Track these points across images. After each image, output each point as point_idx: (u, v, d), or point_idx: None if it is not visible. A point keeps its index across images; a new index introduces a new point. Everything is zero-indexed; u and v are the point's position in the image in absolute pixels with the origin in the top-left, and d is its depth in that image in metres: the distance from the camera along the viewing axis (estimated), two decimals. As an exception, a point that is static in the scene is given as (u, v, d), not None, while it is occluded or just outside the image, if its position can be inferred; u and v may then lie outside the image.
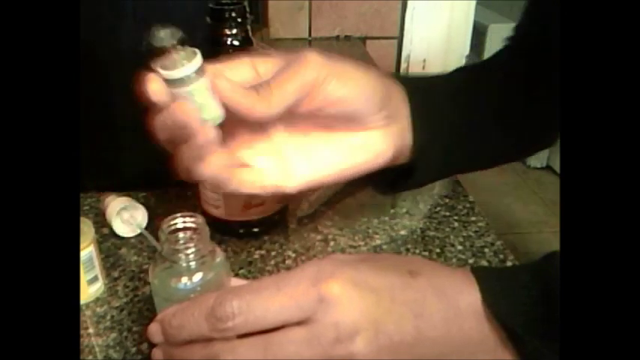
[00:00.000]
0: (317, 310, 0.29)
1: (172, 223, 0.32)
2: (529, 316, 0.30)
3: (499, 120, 0.47)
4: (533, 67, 0.50)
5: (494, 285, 0.31)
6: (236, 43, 0.45)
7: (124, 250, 0.49)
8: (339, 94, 0.34)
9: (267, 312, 0.29)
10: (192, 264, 0.32)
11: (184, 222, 0.33)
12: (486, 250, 0.49)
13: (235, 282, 0.35)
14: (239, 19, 0.44)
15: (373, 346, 0.29)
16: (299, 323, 0.29)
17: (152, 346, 0.39)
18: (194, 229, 0.32)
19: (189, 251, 0.31)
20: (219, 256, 0.33)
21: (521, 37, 0.54)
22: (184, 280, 0.32)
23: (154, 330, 0.31)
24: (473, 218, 0.54)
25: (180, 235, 0.32)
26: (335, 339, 0.28)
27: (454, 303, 0.31)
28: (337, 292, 0.29)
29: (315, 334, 0.28)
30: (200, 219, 0.33)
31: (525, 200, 2.08)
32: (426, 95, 0.42)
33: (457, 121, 0.44)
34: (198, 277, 0.32)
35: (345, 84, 0.35)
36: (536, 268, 0.32)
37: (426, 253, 0.48)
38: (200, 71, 0.31)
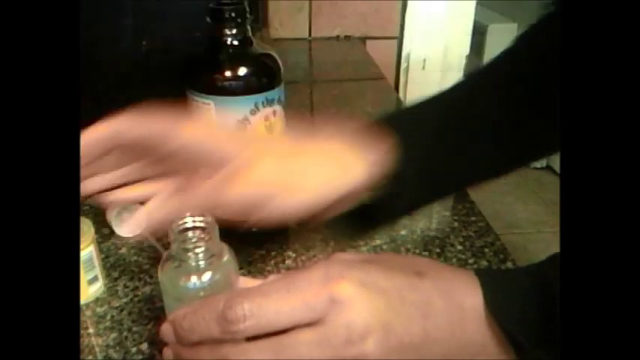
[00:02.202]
0: (328, 312, 0.29)
1: (182, 222, 0.33)
2: (531, 323, 0.30)
3: (497, 136, 0.45)
4: (536, 71, 0.46)
5: (496, 290, 0.31)
6: (236, 43, 0.45)
7: (124, 250, 0.49)
8: (285, 210, 0.35)
9: (278, 314, 0.29)
10: (202, 263, 0.32)
11: (194, 221, 0.33)
12: (486, 250, 0.49)
13: (243, 281, 0.35)
14: (239, 19, 0.44)
15: (384, 348, 0.29)
16: (309, 325, 0.29)
17: (152, 346, 0.39)
18: (203, 229, 0.33)
19: (198, 250, 0.32)
20: (227, 255, 0.33)
21: (525, 39, 0.51)
22: (194, 279, 0.32)
23: (167, 330, 0.31)
24: (473, 218, 0.54)
25: (190, 234, 0.33)
26: (346, 340, 0.28)
27: (459, 305, 0.31)
28: (349, 293, 0.29)
29: (326, 335, 0.28)
30: (209, 218, 0.33)
31: (525, 200, 2.08)
32: (413, 133, 0.41)
33: (443, 147, 0.43)
34: (207, 276, 0.32)
35: (292, 199, 0.35)
36: (538, 273, 0.32)
37: (426, 253, 0.48)
38: None
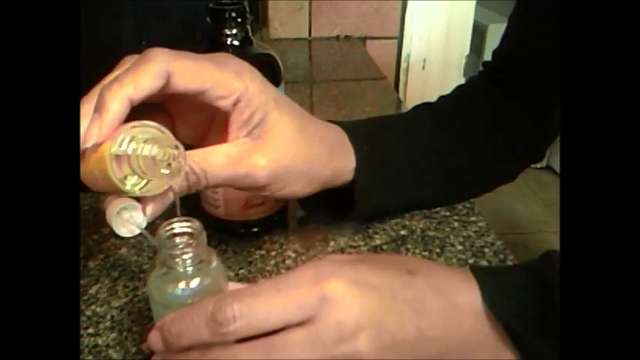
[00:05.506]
0: (319, 310, 0.29)
1: (169, 228, 0.32)
2: (528, 315, 0.30)
3: (467, 154, 0.51)
4: (507, 95, 0.52)
5: (493, 284, 0.31)
6: (236, 43, 0.45)
7: (124, 250, 0.49)
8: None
9: (269, 314, 0.28)
10: (190, 270, 0.31)
11: (181, 227, 0.32)
12: (486, 250, 0.49)
13: (233, 286, 0.34)
14: (239, 19, 0.44)
15: (377, 345, 0.29)
16: (300, 324, 0.29)
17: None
18: (191, 234, 0.32)
19: (186, 257, 0.31)
20: (215, 261, 0.33)
21: (497, 62, 0.56)
22: (181, 286, 0.31)
23: (155, 338, 0.30)
24: (473, 218, 0.54)
25: (177, 240, 0.32)
26: (338, 338, 0.28)
27: (452, 302, 0.31)
28: (339, 291, 0.29)
29: (318, 334, 0.28)
30: (197, 224, 0.32)
31: (525, 200, 2.08)
32: (374, 140, 0.46)
33: (409, 159, 0.48)
34: (195, 282, 0.31)
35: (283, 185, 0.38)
36: (533, 268, 0.32)
37: (426, 253, 0.48)
38: None
